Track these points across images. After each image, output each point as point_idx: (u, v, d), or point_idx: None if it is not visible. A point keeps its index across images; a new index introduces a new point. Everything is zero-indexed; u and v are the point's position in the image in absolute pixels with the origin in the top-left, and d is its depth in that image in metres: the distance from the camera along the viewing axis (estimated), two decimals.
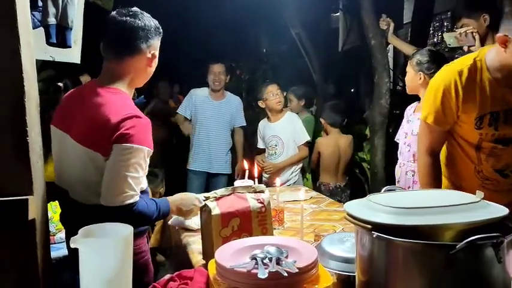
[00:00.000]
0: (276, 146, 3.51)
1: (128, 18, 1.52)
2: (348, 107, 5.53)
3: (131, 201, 1.45)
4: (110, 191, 1.45)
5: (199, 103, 3.86)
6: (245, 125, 4.04)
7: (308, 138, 3.54)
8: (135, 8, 1.57)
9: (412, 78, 2.48)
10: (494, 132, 1.69)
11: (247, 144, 4.27)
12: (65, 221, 1.69)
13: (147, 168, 1.56)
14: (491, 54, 1.66)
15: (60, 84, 3.29)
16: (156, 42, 1.60)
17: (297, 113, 3.83)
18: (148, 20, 1.56)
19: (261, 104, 3.57)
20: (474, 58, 1.69)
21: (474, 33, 2.40)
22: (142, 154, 1.47)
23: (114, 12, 1.55)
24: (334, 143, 3.66)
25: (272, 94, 3.45)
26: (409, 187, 2.51)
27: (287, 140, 3.49)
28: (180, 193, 1.77)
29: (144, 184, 1.59)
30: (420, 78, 2.43)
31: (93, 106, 1.49)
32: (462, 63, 1.71)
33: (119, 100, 1.50)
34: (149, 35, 1.55)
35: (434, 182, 1.79)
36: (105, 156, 1.45)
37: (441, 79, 1.72)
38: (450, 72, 1.70)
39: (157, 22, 1.61)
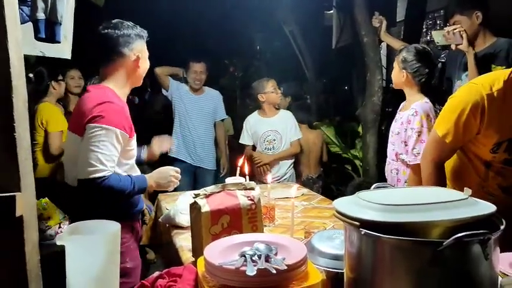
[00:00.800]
0: (274, 140, 3.55)
1: (109, 30, 1.83)
2: (340, 104, 5.56)
3: (100, 174, 1.65)
4: (81, 165, 1.67)
5: (178, 95, 3.92)
6: (226, 117, 4.18)
7: (300, 135, 3.59)
8: (116, 20, 1.86)
9: (397, 74, 2.49)
10: (507, 157, 1.68)
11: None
12: (68, 211, 1.99)
13: (132, 151, 1.84)
14: None
15: (31, 75, 3.26)
16: (138, 46, 1.87)
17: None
18: (127, 28, 1.85)
19: (261, 97, 3.58)
20: (504, 80, 1.60)
21: (461, 32, 2.41)
22: (113, 135, 1.70)
23: (100, 26, 1.85)
24: (303, 139, 3.76)
25: (274, 88, 3.55)
26: (394, 185, 2.53)
27: (285, 135, 3.55)
28: (157, 168, 1.95)
29: (132, 171, 1.86)
30: (403, 76, 2.44)
31: (82, 100, 1.83)
32: (492, 83, 1.60)
33: (99, 92, 1.80)
34: (129, 40, 1.84)
35: None
36: (82, 137, 1.71)
37: (468, 99, 1.61)
38: (479, 93, 1.60)
39: (139, 28, 1.90)
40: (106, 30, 1.82)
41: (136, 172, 1.93)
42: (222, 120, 4.13)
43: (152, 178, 1.89)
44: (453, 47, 2.50)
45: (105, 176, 1.66)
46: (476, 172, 1.78)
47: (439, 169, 1.77)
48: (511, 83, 1.59)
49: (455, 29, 2.44)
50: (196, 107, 3.92)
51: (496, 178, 1.73)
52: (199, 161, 3.93)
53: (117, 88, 1.86)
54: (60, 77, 3.38)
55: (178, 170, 1.95)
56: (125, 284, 1.56)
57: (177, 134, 3.94)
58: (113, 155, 1.70)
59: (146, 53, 1.93)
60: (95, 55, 1.88)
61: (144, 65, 1.92)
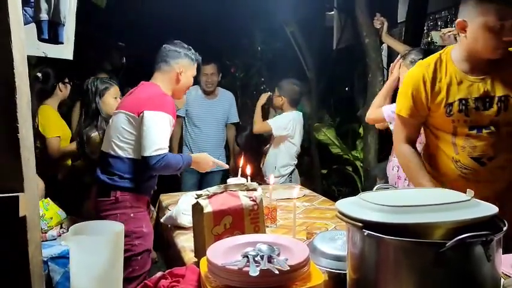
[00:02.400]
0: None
1: (168, 45, 2.35)
2: (341, 105, 5.56)
3: (162, 152, 2.11)
4: (148, 144, 2.10)
5: (191, 101, 3.85)
6: (238, 121, 4.10)
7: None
8: (177, 41, 2.39)
9: None
10: (466, 118, 1.71)
11: (246, 140, 4.29)
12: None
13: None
14: (456, 47, 1.75)
15: (39, 74, 3.25)
16: (184, 63, 2.33)
17: (282, 110, 3.81)
18: (180, 47, 2.35)
19: (281, 100, 3.65)
20: (440, 53, 1.81)
21: (456, 35, 2.44)
22: (168, 120, 2.16)
23: (166, 44, 2.37)
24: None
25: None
26: (395, 183, 2.53)
27: None
28: (200, 154, 2.51)
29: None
30: None
31: (138, 89, 2.32)
32: (429, 58, 1.82)
33: (154, 86, 2.29)
34: (177, 56, 2.33)
35: (420, 170, 1.79)
36: (138, 117, 2.16)
37: (411, 75, 1.83)
38: (418, 67, 1.82)
39: (192, 51, 2.38)
40: (165, 45, 2.35)
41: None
42: (233, 123, 4.09)
43: (195, 158, 2.37)
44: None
45: (165, 154, 2.12)
46: (445, 147, 1.80)
47: (412, 148, 1.85)
48: (447, 53, 1.78)
49: (450, 31, 2.48)
50: (210, 111, 3.87)
51: (465, 149, 1.74)
52: None
53: (162, 87, 2.29)
54: (67, 80, 3.35)
55: (220, 163, 2.52)
56: (141, 245, 2.17)
57: (188, 137, 3.90)
58: (168, 137, 2.17)
59: (190, 72, 2.36)
60: (152, 61, 2.36)
61: (185, 80, 2.35)
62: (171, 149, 3.72)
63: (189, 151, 3.87)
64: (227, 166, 2.82)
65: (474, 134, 1.71)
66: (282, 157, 3.60)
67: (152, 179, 2.31)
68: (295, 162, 3.66)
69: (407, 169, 1.88)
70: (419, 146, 2.21)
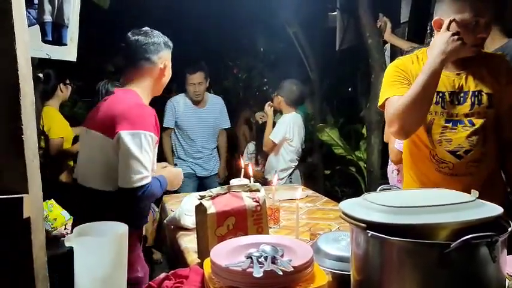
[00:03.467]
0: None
1: (140, 36, 1.86)
2: (344, 105, 5.55)
3: (146, 182, 1.68)
4: (126, 173, 1.67)
5: (181, 112, 3.74)
6: (230, 126, 4.06)
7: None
8: (145, 28, 1.91)
9: None
10: (442, 110, 1.75)
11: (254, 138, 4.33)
12: (82, 216, 1.77)
13: (155, 154, 1.81)
14: (431, 45, 1.77)
15: (40, 75, 3.25)
16: (165, 55, 1.91)
17: (281, 111, 3.82)
18: (157, 37, 1.89)
19: (278, 100, 3.72)
20: (416, 53, 1.86)
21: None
22: (150, 139, 1.71)
23: (129, 32, 1.89)
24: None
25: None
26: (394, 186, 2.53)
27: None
28: (170, 170, 2.03)
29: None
30: None
31: (110, 101, 1.82)
32: (405, 57, 1.88)
33: (129, 95, 1.81)
34: (159, 48, 1.88)
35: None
36: (112, 139, 1.69)
37: (391, 67, 1.87)
38: (394, 64, 1.86)
39: (166, 38, 1.94)
40: (136, 37, 1.86)
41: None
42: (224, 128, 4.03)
43: (169, 177, 1.93)
44: None
45: (148, 183, 1.69)
46: (422, 142, 1.81)
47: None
48: (423, 51, 1.82)
49: None
50: (199, 120, 3.78)
51: (442, 143, 1.76)
52: (203, 171, 3.84)
53: (142, 94, 1.86)
54: (68, 81, 3.36)
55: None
56: None
57: (179, 147, 3.83)
58: (151, 160, 1.73)
59: (170, 64, 1.96)
60: (124, 60, 1.91)
61: (168, 75, 1.96)
62: (164, 161, 3.62)
63: (183, 161, 3.80)
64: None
65: (450, 127, 1.74)
66: (282, 160, 3.62)
67: (144, 210, 1.88)
68: (295, 163, 3.66)
69: (404, 104, 1.69)
70: (399, 145, 2.21)
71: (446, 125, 1.75)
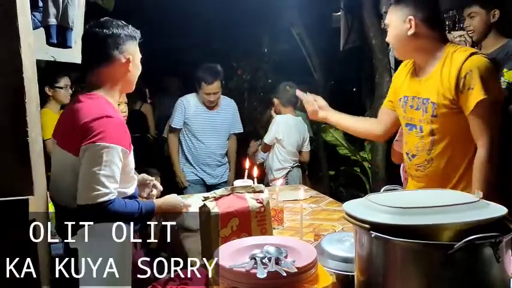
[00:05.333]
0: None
1: (96, 29, 1.61)
2: (348, 106, 5.54)
3: (105, 199, 1.48)
4: (82, 189, 1.49)
5: (191, 113, 3.46)
6: (242, 131, 3.78)
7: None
8: (105, 18, 1.67)
9: None
10: (404, 114, 1.85)
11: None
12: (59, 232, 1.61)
13: (130, 167, 1.64)
14: None
15: None
16: (129, 47, 1.66)
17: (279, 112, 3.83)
18: (117, 28, 1.64)
19: (276, 102, 3.74)
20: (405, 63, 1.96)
21: (466, 40, 2.42)
22: (116, 153, 1.52)
23: (87, 26, 1.68)
24: None
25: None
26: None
27: None
28: (170, 198, 1.82)
29: (129, 188, 1.66)
30: None
31: (72, 111, 1.60)
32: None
33: (94, 103, 1.59)
34: (118, 41, 1.62)
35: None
36: (77, 156, 1.51)
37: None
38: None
39: (131, 28, 1.69)
40: (93, 29, 1.62)
41: (134, 184, 1.76)
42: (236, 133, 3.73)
43: (161, 208, 1.74)
44: None
45: (109, 200, 1.50)
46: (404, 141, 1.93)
47: (370, 119, 2.19)
48: (405, 65, 1.94)
49: (460, 35, 2.47)
50: (211, 123, 3.48)
51: (403, 144, 1.89)
52: (211, 178, 3.56)
53: (108, 96, 1.66)
54: (60, 84, 3.24)
55: (190, 205, 1.81)
56: None
57: (187, 150, 3.54)
58: (116, 175, 1.53)
59: (138, 56, 1.73)
60: (84, 58, 1.68)
61: (136, 69, 1.72)
62: (171, 163, 3.57)
63: (190, 166, 3.54)
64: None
65: (407, 130, 1.84)
66: (276, 161, 3.66)
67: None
68: (291, 164, 3.66)
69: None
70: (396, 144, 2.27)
71: (406, 128, 1.86)
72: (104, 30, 1.61)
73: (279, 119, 3.64)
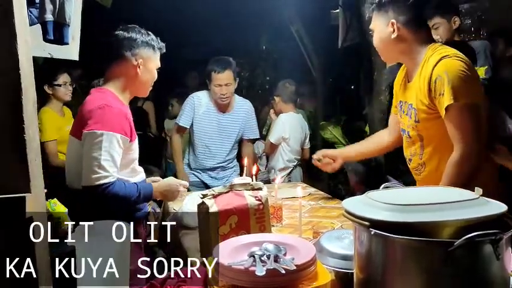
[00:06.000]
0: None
1: (119, 32, 1.84)
2: (347, 103, 5.55)
3: (104, 181, 1.67)
4: (85, 172, 1.69)
5: (201, 114, 3.12)
6: (258, 137, 3.46)
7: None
8: (132, 25, 1.87)
9: None
10: (400, 119, 1.90)
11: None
12: (71, 214, 1.88)
13: (133, 155, 1.83)
14: None
15: None
16: (143, 52, 1.84)
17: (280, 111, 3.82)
18: (136, 33, 1.84)
19: (277, 100, 3.73)
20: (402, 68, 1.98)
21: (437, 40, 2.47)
22: (114, 139, 1.69)
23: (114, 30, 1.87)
24: None
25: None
26: None
27: None
28: (165, 179, 2.01)
29: (135, 178, 1.85)
30: None
31: (83, 103, 1.81)
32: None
33: (99, 95, 1.80)
34: (134, 45, 1.82)
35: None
36: (80, 141, 1.72)
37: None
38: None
39: (152, 37, 1.88)
40: (118, 32, 1.84)
41: (139, 175, 1.91)
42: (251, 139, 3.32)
43: (159, 189, 1.92)
44: None
45: (109, 182, 1.68)
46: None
47: (381, 132, 2.22)
48: (402, 69, 1.94)
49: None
50: (220, 127, 3.13)
51: (404, 150, 1.91)
52: (215, 181, 3.16)
53: (117, 92, 1.84)
54: (59, 82, 3.21)
55: (187, 184, 2.01)
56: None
57: (191, 152, 3.24)
58: (115, 160, 1.70)
59: (154, 64, 1.89)
60: (101, 56, 1.88)
61: (146, 74, 1.87)
62: (174, 164, 3.31)
63: (192, 169, 3.23)
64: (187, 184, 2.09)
65: (402, 135, 1.89)
66: (281, 160, 3.65)
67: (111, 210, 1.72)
68: (294, 163, 3.66)
69: None
70: None
71: (401, 132, 1.90)
72: (124, 33, 1.83)
73: (284, 117, 3.61)
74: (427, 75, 1.65)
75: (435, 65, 1.63)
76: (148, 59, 1.86)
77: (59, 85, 3.23)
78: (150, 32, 1.89)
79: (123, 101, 1.85)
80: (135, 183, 1.81)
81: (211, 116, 3.12)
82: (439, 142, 1.72)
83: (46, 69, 3.11)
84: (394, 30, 1.71)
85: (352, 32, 5.14)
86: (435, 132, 1.71)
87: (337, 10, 5.45)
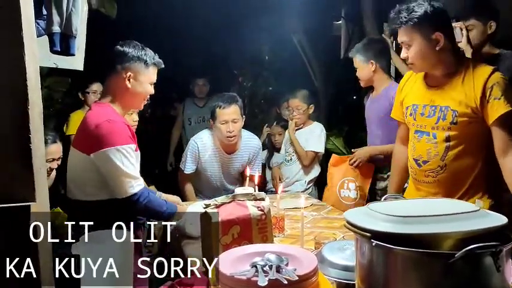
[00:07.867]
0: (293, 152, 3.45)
1: (117, 46, 1.91)
2: (349, 114, 5.55)
3: (138, 189, 1.83)
4: (116, 186, 1.81)
5: (206, 157, 2.93)
6: (260, 174, 3.07)
7: None
8: (130, 41, 1.93)
9: None
10: (413, 122, 1.94)
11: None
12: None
13: (137, 164, 1.90)
14: None
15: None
16: (134, 67, 1.88)
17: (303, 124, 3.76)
18: (130, 47, 1.89)
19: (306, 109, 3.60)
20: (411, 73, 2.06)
21: (462, 29, 2.44)
22: (129, 150, 1.81)
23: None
24: None
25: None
26: None
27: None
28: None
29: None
30: None
31: (85, 117, 1.90)
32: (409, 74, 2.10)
33: (100, 110, 1.87)
34: (125, 59, 1.88)
35: (394, 168, 2.21)
36: (88, 155, 1.80)
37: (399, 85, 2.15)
38: (402, 79, 2.14)
39: (146, 52, 1.91)
40: (115, 47, 1.91)
41: (139, 181, 1.92)
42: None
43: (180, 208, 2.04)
44: None
45: (140, 190, 1.84)
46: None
47: (398, 150, 2.19)
48: (410, 76, 2.06)
49: (456, 25, 2.47)
50: (224, 166, 2.97)
51: (411, 149, 1.97)
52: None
53: (115, 106, 1.91)
54: (89, 90, 3.42)
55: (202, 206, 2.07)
56: None
57: (199, 181, 3.07)
58: (136, 167, 1.87)
59: (145, 77, 1.91)
60: (100, 70, 1.99)
61: (138, 88, 1.91)
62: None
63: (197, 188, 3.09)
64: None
65: (417, 137, 1.92)
66: (315, 170, 3.50)
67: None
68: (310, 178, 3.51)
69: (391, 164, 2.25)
70: None
71: (415, 135, 1.94)
72: (119, 48, 1.89)
73: (320, 128, 3.56)
74: (481, 81, 1.75)
75: (491, 73, 1.75)
76: (138, 73, 1.89)
77: (88, 93, 3.45)
78: (146, 48, 1.93)
79: (120, 114, 1.92)
80: (164, 200, 2.01)
81: (218, 158, 2.94)
82: (468, 145, 1.81)
83: (83, 77, 3.29)
84: (439, 42, 1.77)
85: (354, 43, 5.18)
86: (467, 135, 1.80)
87: (340, 21, 5.50)
